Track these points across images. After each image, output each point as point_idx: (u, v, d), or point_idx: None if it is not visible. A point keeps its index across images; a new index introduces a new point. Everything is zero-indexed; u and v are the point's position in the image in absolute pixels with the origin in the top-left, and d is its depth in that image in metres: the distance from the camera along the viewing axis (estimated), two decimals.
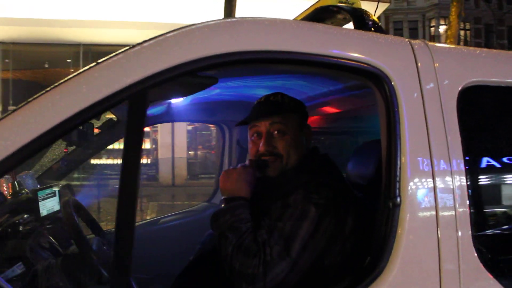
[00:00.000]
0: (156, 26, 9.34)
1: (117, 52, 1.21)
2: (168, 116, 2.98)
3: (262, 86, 2.34)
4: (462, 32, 30.80)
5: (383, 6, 14.46)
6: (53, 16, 12.27)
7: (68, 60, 14.64)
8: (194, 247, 2.03)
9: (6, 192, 2.19)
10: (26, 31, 13.10)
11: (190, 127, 17.20)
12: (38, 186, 2.37)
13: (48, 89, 1.17)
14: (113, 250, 1.15)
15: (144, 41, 1.23)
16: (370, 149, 1.84)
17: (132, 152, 1.17)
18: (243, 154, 3.15)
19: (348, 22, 1.81)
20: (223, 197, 1.66)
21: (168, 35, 1.24)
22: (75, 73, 1.19)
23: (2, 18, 12.24)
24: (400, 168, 1.35)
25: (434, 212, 1.36)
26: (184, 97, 2.10)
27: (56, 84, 1.17)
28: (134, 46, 1.22)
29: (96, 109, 1.15)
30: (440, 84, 1.47)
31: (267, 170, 1.73)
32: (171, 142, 15.63)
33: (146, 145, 16.73)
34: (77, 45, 13.64)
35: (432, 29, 33.94)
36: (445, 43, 12.71)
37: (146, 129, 16.36)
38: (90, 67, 1.19)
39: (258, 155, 1.73)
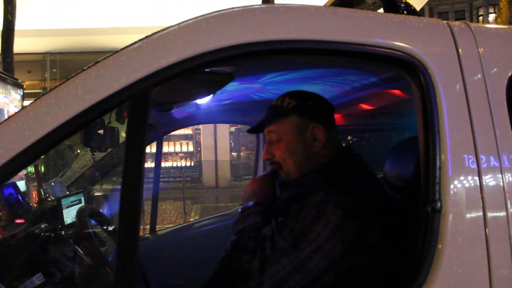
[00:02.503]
0: None
1: (116, 50, 1.11)
2: (198, 118, 2.91)
3: (289, 82, 2.19)
4: None
5: None
6: (97, 25, 12.63)
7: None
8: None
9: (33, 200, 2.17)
10: (71, 41, 13.55)
11: (233, 129, 17.26)
12: (67, 193, 2.34)
13: (44, 93, 1.08)
14: (115, 264, 1.04)
15: (146, 37, 1.13)
16: (408, 147, 1.66)
17: (135, 155, 1.06)
18: None
19: (378, 7, 1.65)
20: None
21: (171, 28, 1.13)
22: (72, 75, 1.10)
23: (49, 30, 12.72)
24: (440, 168, 1.18)
25: (481, 214, 1.19)
26: (208, 97, 2.00)
27: (53, 87, 1.09)
28: (134, 42, 1.12)
29: (93, 111, 1.05)
30: (485, 71, 1.29)
31: (279, 178, 1.71)
32: (214, 144, 15.73)
33: (190, 147, 16.94)
34: None
35: (481, 18, 32.55)
36: None
37: (189, 131, 16.63)
38: (88, 67, 1.10)
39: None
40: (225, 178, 15.86)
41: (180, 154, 16.99)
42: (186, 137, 17.02)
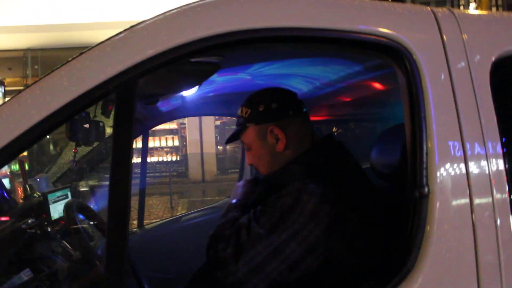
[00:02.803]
0: None
1: (101, 41, 1.10)
2: (185, 110, 2.90)
3: (275, 74, 2.19)
4: (494, 9, 29.75)
5: None
6: (78, 20, 12.43)
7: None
8: None
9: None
10: (52, 37, 13.32)
11: (218, 122, 17.21)
12: (54, 188, 2.31)
13: (28, 84, 1.07)
14: (105, 258, 1.04)
15: (131, 27, 1.11)
16: (394, 134, 1.67)
17: (122, 148, 1.05)
18: None
19: None
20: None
21: (157, 18, 1.12)
22: (57, 67, 1.08)
23: (29, 26, 12.49)
24: (427, 153, 1.19)
25: (468, 200, 1.20)
26: (194, 88, 1.98)
27: (37, 79, 1.07)
28: (120, 32, 1.11)
29: (79, 103, 1.04)
30: (469, 56, 1.30)
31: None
32: (199, 138, 15.68)
33: (175, 142, 16.86)
34: None
35: (461, 7, 32.91)
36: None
37: (174, 126, 16.54)
38: (73, 58, 1.08)
39: None
40: (211, 172, 15.82)
41: (165, 149, 16.89)
42: (171, 132, 16.92)
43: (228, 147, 17.72)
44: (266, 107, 1.62)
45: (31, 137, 1.02)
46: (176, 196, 12.04)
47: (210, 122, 15.85)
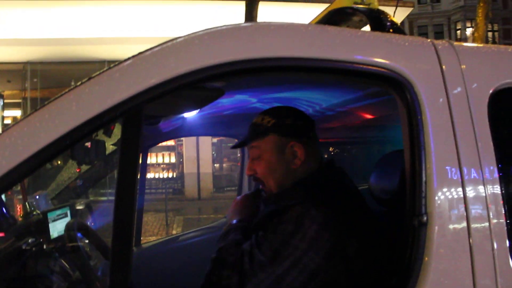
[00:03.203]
0: None
1: (110, 66, 1.13)
2: (184, 131, 2.91)
3: (277, 98, 2.22)
4: (490, 34, 30.11)
5: (406, 11, 14.24)
6: (78, 35, 12.54)
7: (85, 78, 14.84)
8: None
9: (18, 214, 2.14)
10: (52, 51, 13.41)
11: (215, 140, 17.22)
12: (53, 206, 2.32)
13: (37, 108, 1.09)
14: (109, 278, 1.05)
15: (140, 53, 1.14)
16: (393, 160, 1.70)
17: (128, 174, 1.07)
18: None
19: (364, 24, 1.69)
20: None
21: (165, 45, 1.15)
22: (65, 90, 1.10)
23: (30, 39, 12.59)
24: (425, 182, 1.22)
25: (465, 225, 1.23)
26: (195, 110, 2.01)
27: (46, 102, 1.09)
28: (128, 58, 1.13)
29: (87, 127, 1.06)
30: (468, 87, 1.33)
31: (262, 194, 1.76)
32: (196, 156, 15.67)
33: (172, 158, 16.83)
34: (102, 62, 13.87)
35: (458, 32, 33.28)
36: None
37: (171, 143, 16.53)
38: (82, 83, 1.11)
39: None
40: (207, 190, 15.79)
41: (162, 166, 16.86)
42: (168, 148, 16.91)
43: (224, 165, 17.70)
44: (293, 123, 1.66)
45: (39, 160, 1.03)
46: (171, 213, 11.98)
47: (207, 139, 15.87)
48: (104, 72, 1.12)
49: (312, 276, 1.39)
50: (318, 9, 1.80)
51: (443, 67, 1.33)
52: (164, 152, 16.83)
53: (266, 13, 9.45)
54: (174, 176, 16.64)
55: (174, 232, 9.90)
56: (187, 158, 16.02)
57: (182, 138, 15.85)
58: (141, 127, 1.09)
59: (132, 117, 1.08)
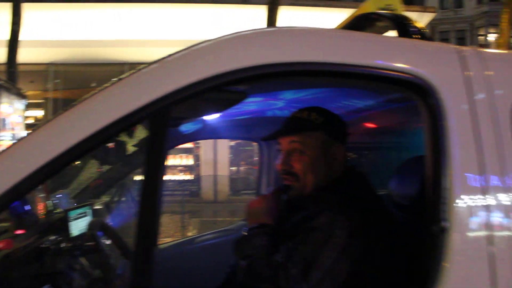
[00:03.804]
0: None
1: (138, 68, 1.15)
2: (205, 133, 2.93)
3: (300, 101, 2.23)
4: None
5: (429, 16, 14.12)
6: (99, 37, 12.76)
7: (114, 79, 15.06)
8: (227, 269, 1.95)
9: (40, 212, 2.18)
10: (74, 52, 13.66)
11: (232, 143, 17.26)
12: (75, 205, 2.36)
13: (66, 108, 1.12)
14: (131, 277, 1.07)
15: (168, 56, 1.16)
16: (414, 166, 1.69)
17: (154, 173, 1.09)
18: None
19: (389, 30, 1.69)
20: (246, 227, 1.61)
21: (193, 48, 1.17)
22: (94, 91, 1.13)
23: (53, 41, 12.84)
24: (447, 189, 1.21)
25: (487, 234, 1.22)
26: (217, 114, 2.03)
27: (74, 103, 1.12)
28: (156, 61, 1.16)
29: (114, 128, 1.08)
30: (491, 94, 1.32)
31: (288, 193, 1.66)
32: (213, 158, 15.72)
33: (189, 161, 16.91)
34: (122, 64, 14.07)
35: (481, 38, 32.81)
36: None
37: (189, 145, 16.62)
38: (112, 83, 1.13)
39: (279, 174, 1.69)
40: (224, 192, 15.81)
41: (179, 168, 16.95)
42: (185, 151, 16.98)
43: (241, 168, 17.70)
44: (340, 124, 1.69)
45: (68, 158, 1.06)
46: (187, 215, 12.03)
47: (224, 142, 15.91)
48: (132, 74, 1.14)
49: (343, 284, 1.40)
50: (338, 14, 1.81)
51: (467, 73, 1.32)
52: (181, 154, 16.91)
53: (287, 18, 9.48)
54: (191, 178, 16.71)
55: (189, 234, 9.94)
56: (204, 161, 16.08)
57: (199, 141, 15.94)
58: (167, 129, 1.11)
59: (159, 118, 1.10)
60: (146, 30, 12.78)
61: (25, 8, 9.31)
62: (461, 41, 33.31)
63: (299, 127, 1.64)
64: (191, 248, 3.21)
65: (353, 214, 1.44)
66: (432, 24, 30.19)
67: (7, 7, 9.25)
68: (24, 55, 9.64)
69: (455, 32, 34.35)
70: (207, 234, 3.44)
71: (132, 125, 1.09)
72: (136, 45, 13.01)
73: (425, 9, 14.47)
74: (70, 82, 14.84)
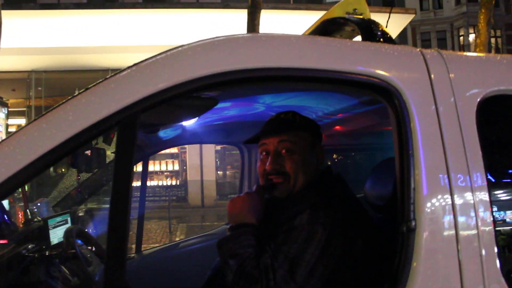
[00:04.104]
0: None
1: (106, 77, 1.16)
2: (184, 139, 2.94)
3: (275, 106, 2.26)
4: (493, 40, 30.07)
5: (408, 18, 14.27)
6: (81, 44, 12.66)
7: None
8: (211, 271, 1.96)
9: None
10: (56, 60, 13.54)
11: (218, 147, 17.25)
12: (54, 213, 2.35)
13: (35, 117, 1.12)
14: (103, 283, 1.08)
15: (134, 64, 1.18)
16: (387, 167, 1.73)
17: (122, 181, 1.10)
18: None
19: (357, 34, 1.72)
20: (229, 225, 1.61)
21: (159, 56, 1.19)
22: (62, 101, 1.14)
23: (34, 48, 12.71)
24: (414, 189, 1.24)
25: (454, 233, 1.25)
26: (192, 119, 2.05)
27: (43, 112, 1.13)
28: (123, 70, 1.17)
29: (83, 136, 1.09)
30: (456, 95, 1.36)
31: (275, 191, 1.66)
32: (199, 163, 15.69)
33: (175, 166, 16.85)
34: (105, 70, 13.99)
35: (461, 38, 33.26)
36: (475, 51, 12.40)
37: (174, 150, 16.56)
38: (79, 93, 1.14)
39: (265, 175, 1.67)
40: (210, 197, 15.78)
41: (165, 173, 16.89)
42: (171, 156, 16.94)
43: (228, 172, 17.69)
44: (318, 129, 1.75)
45: (37, 167, 1.07)
46: (174, 220, 11.99)
47: (210, 147, 15.89)
48: (100, 83, 1.15)
49: (328, 282, 1.43)
50: (319, 18, 1.84)
51: (432, 75, 1.36)
52: (167, 160, 16.86)
53: (268, 21, 9.52)
54: (178, 183, 16.65)
55: (177, 239, 9.90)
56: (190, 166, 16.04)
57: (185, 146, 15.90)
58: (136, 136, 1.12)
59: (127, 126, 1.11)
60: (128, 36, 12.72)
61: (5, 15, 9.21)
62: (442, 42, 33.71)
63: (289, 127, 1.67)
64: (175, 253, 3.22)
65: (333, 212, 1.48)
66: (412, 25, 30.55)
67: None
68: (5, 63, 9.53)
69: (436, 33, 34.75)
70: (191, 239, 3.45)
71: (100, 133, 1.10)
72: (118, 51, 12.94)
73: (406, 11, 14.62)
74: (52, 90, 14.70)
